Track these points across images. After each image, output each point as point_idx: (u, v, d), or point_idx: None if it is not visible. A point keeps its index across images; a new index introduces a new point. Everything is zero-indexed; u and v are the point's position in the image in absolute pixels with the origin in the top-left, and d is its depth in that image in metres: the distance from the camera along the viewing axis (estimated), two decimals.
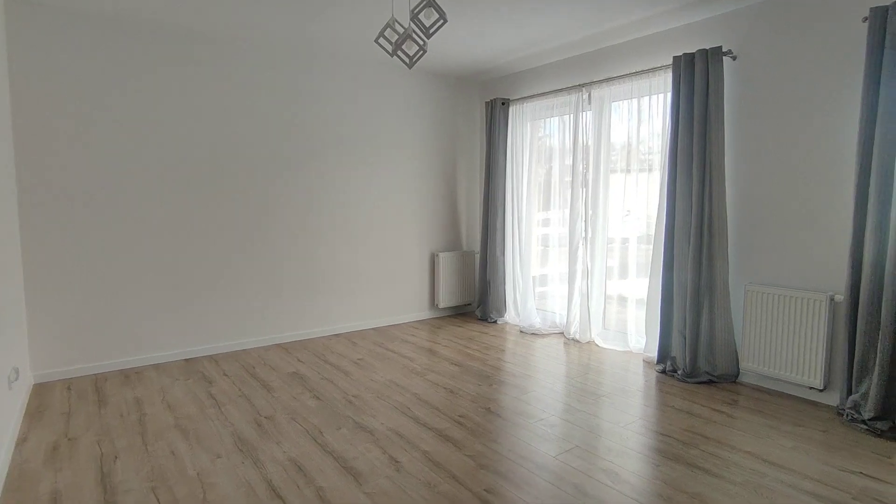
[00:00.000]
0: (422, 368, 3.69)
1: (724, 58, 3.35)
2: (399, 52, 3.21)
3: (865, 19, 2.76)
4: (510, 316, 5.06)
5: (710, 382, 3.42)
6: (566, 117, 4.51)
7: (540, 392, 3.24)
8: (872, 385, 2.73)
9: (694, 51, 3.38)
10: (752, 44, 3.29)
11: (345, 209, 4.61)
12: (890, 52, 2.66)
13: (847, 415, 2.84)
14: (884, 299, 2.68)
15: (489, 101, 5.01)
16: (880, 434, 2.68)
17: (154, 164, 3.70)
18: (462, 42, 4.09)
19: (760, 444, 2.55)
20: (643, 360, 3.85)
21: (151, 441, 2.56)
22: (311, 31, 3.79)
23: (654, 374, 3.57)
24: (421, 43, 2.93)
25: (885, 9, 2.68)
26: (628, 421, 2.81)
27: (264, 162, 4.16)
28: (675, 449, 2.49)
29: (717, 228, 3.36)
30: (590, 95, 4.21)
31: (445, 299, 5.20)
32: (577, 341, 4.36)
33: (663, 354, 3.65)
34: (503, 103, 4.92)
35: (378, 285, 4.88)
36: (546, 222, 4.88)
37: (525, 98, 4.77)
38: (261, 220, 4.18)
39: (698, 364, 3.45)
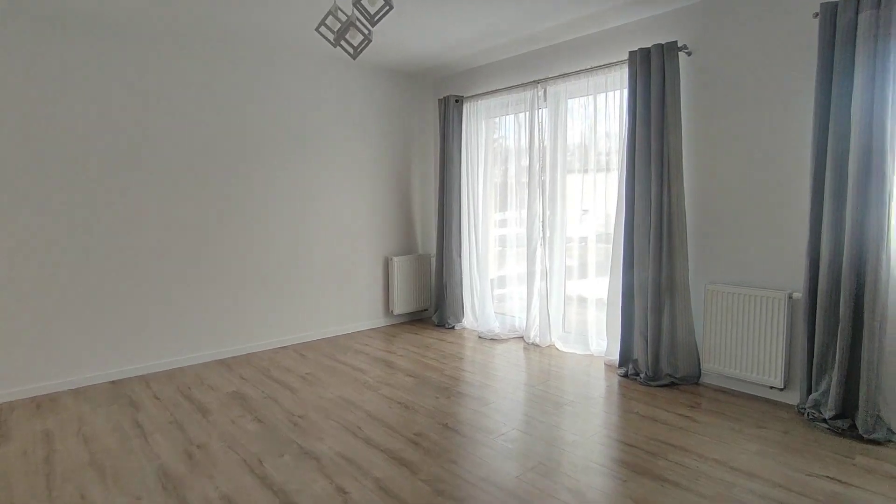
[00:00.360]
0: (375, 382, 3.46)
1: (679, 53, 3.29)
2: (342, 42, 2.98)
3: (816, 15, 2.73)
4: (468, 321, 4.89)
5: (672, 385, 3.34)
6: (521, 115, 4.38)
7: (500, 403, 3.07)
8: (832, 383, 2.70)
9: (650, 46, 3.30)
10: (707, 39, 3.24)
11: (292, 212, 4.32)
12: (840, 48, 2.64)
13: (808, 414, 2.80)
14: (841, 296, 2.66)
15: (442, 98, 4.83)
16: (841, 433, 2.65)
17: (67, 160, 3.31)
18: (412, 35, 3.88)
19: (727, 451, 2.46)
20: (605, 364, 3.75)
21: (58, 484, 2.22)
22: (249, 19, 3.50)
23: (616, 379, 3.47)
24: (366, 32, 2.72)
25: (835, 4, 2.66)
26: (592, 431, 2.68)
27: (201, 162, 3.82)
28: (641, 461, 2.37)
29: (676, 227, 3.30)
30: (545, 92, 4.09)
31: (401, 305, 4.98)
32: (538, 346, 4.23)
33: (625, 357, 3.56)
34: (457, 101, 4.75)
35: (329, 292, 4.60)
36: (503, 223, 4.74)
37: (479, 95, 4.61)
38: (201, 224, 3.83)
39: (660, 366, 3.37)
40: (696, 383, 3.37)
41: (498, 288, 4.80)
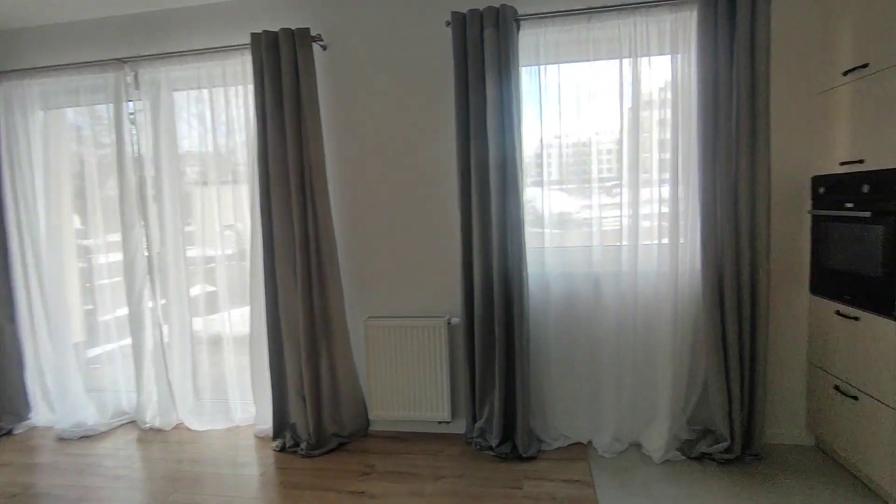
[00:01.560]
0: None
1: (315, 45, 2.71)
2: None
3: (448, 24, 2.57)
4: (40, 415, 3.16)
5: (340, 447, 2.75)
6: (103, 106, 3.06)
7: None
8: (495, 409, 2.59)
9: (277, 30, 2.62)
10: (344, 34, 2.77)
11: None
12: (473, 61, 2.51)
13: (475, 444, 2.65)
14: (495, 318, 2.56)
15: None
16: (505, 458, 2.57)
17: None
18: None
19: None
20: (255, 437, 2.88)
21: None
22: None
23: (271, 457, 2.65)
24: None
25: (464, 16, 2.53)
26: None
27: None
28: None
29: (326, 252, 2.72)
30: (137, 77, 2.91)
31: None
32: (160, 430, 3.00)
33: (280, 425, 2.79)
34: None
35: None
36: (88, 250, 3.23)
37: (31, 71, 3.01)
38: None
39: (324, 427, 2.74)
40: (366, 435, 2.88)
41: (91, 347, 3.26)
